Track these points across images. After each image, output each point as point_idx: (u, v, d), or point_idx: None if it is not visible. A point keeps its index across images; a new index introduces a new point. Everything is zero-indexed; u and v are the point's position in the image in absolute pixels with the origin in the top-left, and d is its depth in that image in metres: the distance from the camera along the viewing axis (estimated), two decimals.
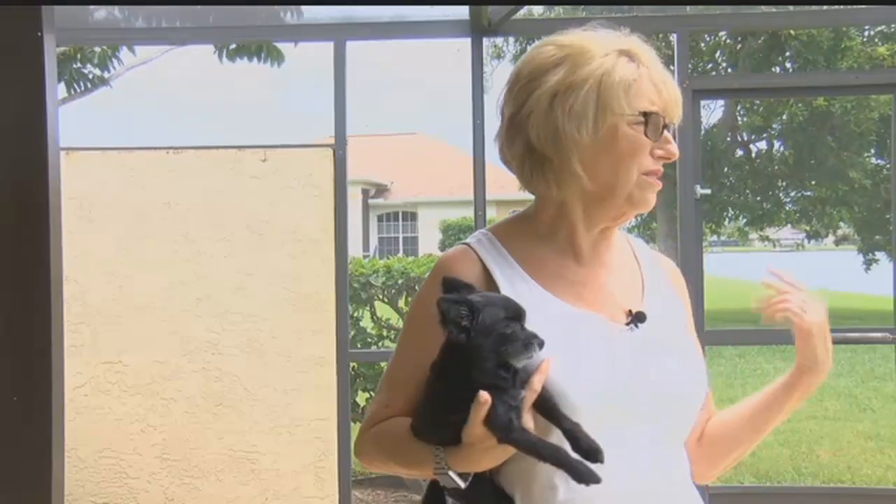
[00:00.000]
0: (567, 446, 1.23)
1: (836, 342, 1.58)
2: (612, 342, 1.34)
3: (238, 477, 3.79)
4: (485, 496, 1.32)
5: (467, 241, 1.44)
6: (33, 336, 1.39)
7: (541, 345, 1.24)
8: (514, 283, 1.36)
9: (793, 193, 19.14)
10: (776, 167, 18.60)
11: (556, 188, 1.37)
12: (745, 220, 19.92)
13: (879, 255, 19.38)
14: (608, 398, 1.30)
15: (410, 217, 29.32)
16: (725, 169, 18.57)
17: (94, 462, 3.81)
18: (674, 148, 1.37)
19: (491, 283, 1.36)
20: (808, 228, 20.61)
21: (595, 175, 1.35)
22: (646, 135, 1.34)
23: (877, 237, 18.98)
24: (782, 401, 1.45)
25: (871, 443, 7.90)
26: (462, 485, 1.28)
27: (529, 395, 1.24)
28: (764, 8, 4.09)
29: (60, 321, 1.42)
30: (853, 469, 7.00)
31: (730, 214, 19.32)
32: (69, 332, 3.64)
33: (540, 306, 1.33)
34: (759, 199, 18.86)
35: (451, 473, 1.28)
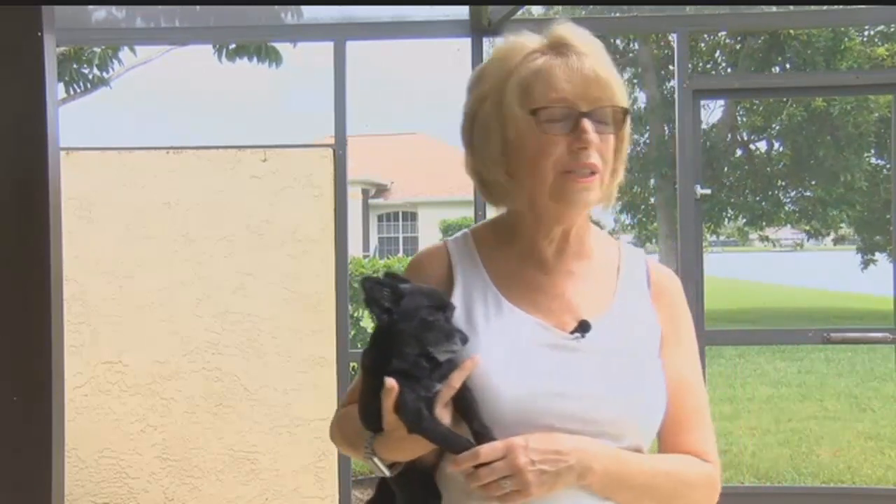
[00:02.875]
0: None
1: (836, 342, 1.56)
2: (550, 350, 1.32)
3: (238, 477, 3.79)
4: (413, 489, 1.33)
5: (448, 238, 1.47)
6: (33, 336, 1.39)
7: (463, 340, 1.26)
8: (471, 284, 1.38)
9: (792, 193, 19.15)
10: (776, 167, 18.61)
11: (491, 198, 1.41)
12: (744, 220, 19.93)
13: (878, 255, 19.41)
14: (530, 405, 1.28)
15: (410, 217, 29.31)
16: (725, 169, 18.58)
17: (94, 462, 3.81)
18: (589, 137, 1.29)
19: (451, 281, 1.39)
20: (807, 228, 20.62)
21: (520, 181, 1.35)
22: (544, 131, 1.30)
23: (876, 237, 19.00)
24: None
25: (871, 443, 7.89)
26: (386, 473, 1.31)
27: (446, 391, 1.24)
28: (764, 8, 4.09)
29: (60, 321, 1.42)
30: (853, 469, 7.00)
31: (729, 214, 19.32)
32: (69, 332, 3.64)
33: (489, 308, 1.35)
34: (758, 199, 18.87)
35: (375, 460, 1.31)
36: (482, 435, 1.25)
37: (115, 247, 3.84)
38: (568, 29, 1.35)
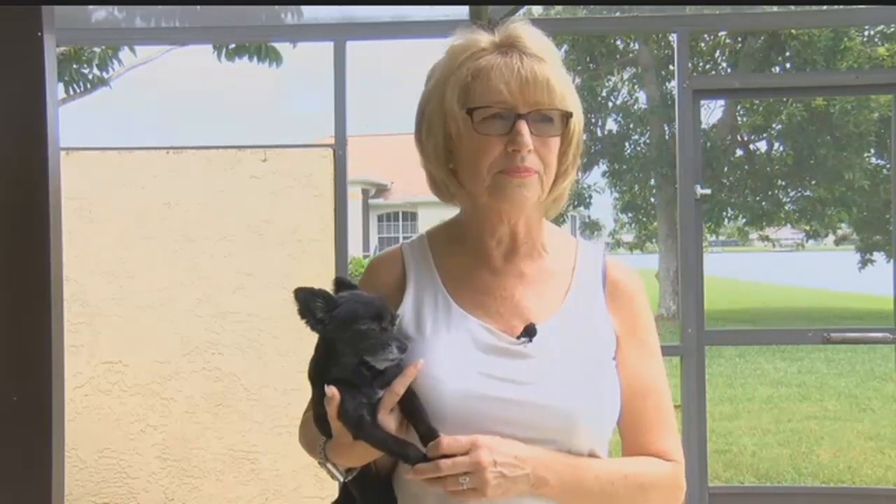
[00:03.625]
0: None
1: (836, 342, 1.54)
2: (495, 354, 1.31)
3: (238, 477, 3.79)
4: (369, 493, 1.35)
5: (405, 242, 1.48)
6: (33, 336, 1.39)
7: (400, 348, 1.25)
8: (423, 287, 1.38)
9: (792, 193, 19.16)
10: (776, 167, 18.62)
11: (441, 197, 1.42)
12: (744, 220, 19.94)
13: (876, 255, 19.42)
14: (474, 409, 1.27)
15: (410, 217, 29.31)
16: (725, 169, 18.58)
17: (94, 462, 3.81)
18: (523, 139, 1.28)
19: (404, 284, 1.40)
20: (807, 228, 20.62)
21: (462, 179, 1.35)
22: (479, 132, 1.30)
23: (876, 237, 19.00)
24: None
25: (871, 443, 7.90)
26: (340, 477, 1.33)
27: (389, 397, 1.24)
28: (764, 8, 4.09)
29: (60, 321, 1.42)
30: (853, 469, 7.00)
31: (729, 214, 19.33)
32: (69, 332, 3.64)
33: (438, 311, 1.35)
34: (758, 199, 18.87)
35: (328, 465, 1.32)
36: (430, 438, 1.24)
37: (115, 247, 3.84)
38: (519, 29, 1.34)
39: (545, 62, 1.31)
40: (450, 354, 1.30)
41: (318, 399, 1.29)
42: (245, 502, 3.78)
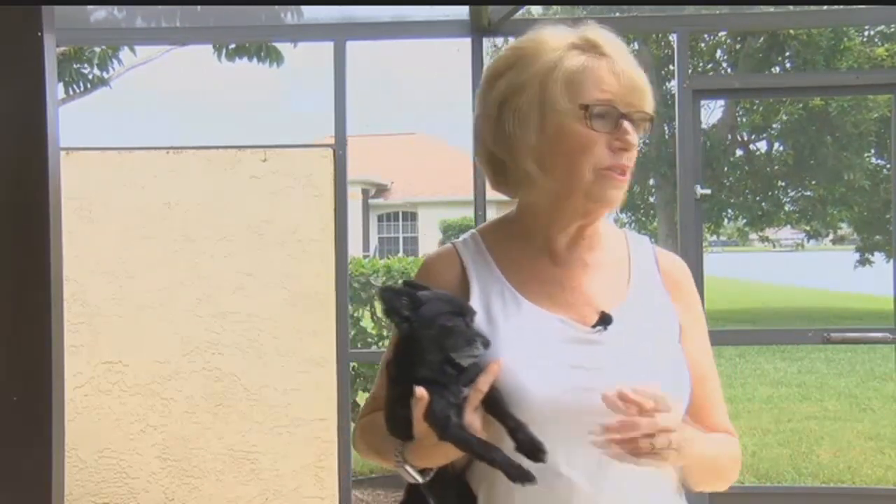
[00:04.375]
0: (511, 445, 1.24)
1: (836, 342, 1.55)
2: (574, 344, 1.32)
3: (238, 477, 3.79)
4: (447, 493, 1.33)
5: (455, 240, 1.47)
6: (33, 336, 1.39)
7: (485, 344, 1.25)
8: (487, 284, 1.38)
9: (792, 193, 19.16)
10: (776, 167, 18.62)
11: (515, 190, 1.41)
12: (744, 221, 19.93)
13: (876, 255, 19.41)
14: (560, 401, 1.27)
15: (410, 217, 29.30)
16: (725, 169, 18.58)
17: (94, 462, 3.81)
18: (631, 138, 1.32)
19: (466, 282, 1.39)
20: (807, 228, 20.62)
21: (552, 174, 1.34)
22: (591, 128, 1.30)
23: (876, 237, 19.01)
24: None
25: (871, 443, 7.89)
26: (419, 479, 1.31)
27: (474, 395, 1.24)
28: (764, 8, 4.09)
29: (60, 321, 1.41)
30: (853, 469, 7.00)
31: (729, 214, 19.33)
32: (69, 332, 3.64)
33: (507, 306, 1.35)
34: (758, 199, 18.87)
35: (407, 468, 1.30)
36: (518, 431, 1.23)
37: (115, 247, 3.84)
38: (601, 32, 1.37)
39: (634, 66, 1.35)
40: (527, 348, 1.30)
41: (395, 399, 1.29)
42: (245, 502, 3.78)
